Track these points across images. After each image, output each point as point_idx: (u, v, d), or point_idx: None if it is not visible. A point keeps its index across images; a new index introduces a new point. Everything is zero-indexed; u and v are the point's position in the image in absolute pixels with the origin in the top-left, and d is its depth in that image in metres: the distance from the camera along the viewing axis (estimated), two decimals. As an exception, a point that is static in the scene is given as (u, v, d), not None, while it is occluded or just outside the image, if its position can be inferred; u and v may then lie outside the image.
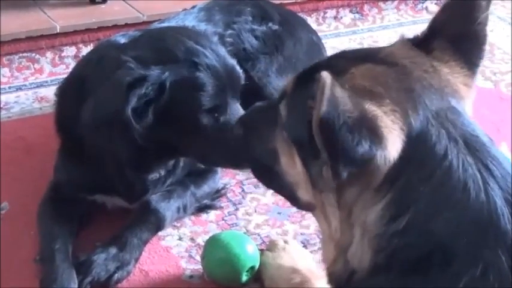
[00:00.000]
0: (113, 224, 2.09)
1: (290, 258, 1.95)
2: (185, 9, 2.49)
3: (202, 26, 2.32)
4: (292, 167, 1.33)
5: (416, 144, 1.19)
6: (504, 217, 1.16)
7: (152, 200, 2.09)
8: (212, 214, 2.23)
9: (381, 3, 3.55)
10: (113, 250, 1.97)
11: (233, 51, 2.29)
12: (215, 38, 2.05)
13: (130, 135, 1.84)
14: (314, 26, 3.08)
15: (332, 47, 3.08)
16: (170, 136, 1.93)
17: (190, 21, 2.35)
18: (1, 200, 2.21)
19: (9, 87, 2.85)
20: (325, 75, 1.11)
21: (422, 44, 1.33)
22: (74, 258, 1.98)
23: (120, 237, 2.01)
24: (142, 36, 2.05)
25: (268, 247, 2.02)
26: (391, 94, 1.22)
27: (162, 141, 1.93)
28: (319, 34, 2.78)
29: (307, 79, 1.30)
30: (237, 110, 1.96)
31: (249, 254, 1.94)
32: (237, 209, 2.26)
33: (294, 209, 2.21)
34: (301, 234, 2.15)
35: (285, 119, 1.33)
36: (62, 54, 3.03)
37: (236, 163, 2.04)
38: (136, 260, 2.01)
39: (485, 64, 2.94)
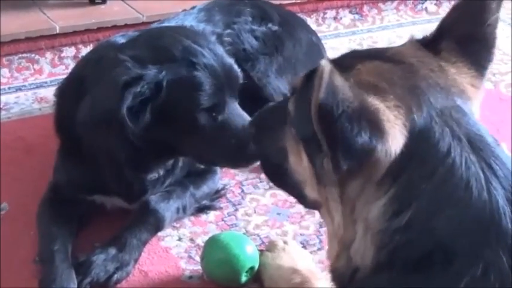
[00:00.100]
0: (112, 225, 2.09)
1: (290, 258, 1.95)
2: (185, 10, 2.49)
3: (202, 27, 2.32)
4: (299, 163, 1.33)
5: (419, 141, 1.19)
6: (506, 216, 1.16)
7: (151, 201, 2.09)
8: (212, 215, 2.23)
9: (380, 4, 3.55)
10: (112, 251, 1.97)
11: (232, 51, 2.29)
12: (213, 38, 2.05)
13: (126, 134, 1.84)
14: (314, 26, 3.09)
15: (332, 47, 3.09)
16: (168, 135, 1.93)
17: (190, 22, 2.35)
18: (1, 200, 2.21)
19: (9, 88, 2.86)
20: (325, 63, 1.12)
21: (431, 44, 1.33)
22: (73, 259, 1.97)
23: (120, 237, 2.01)
24: (141, 36, 2.06)
25: (268, 248, 2.02)
26: (395, 90, 1.22)
27: (160, 140, 1.93)
28: (319, 35, 2.78)
29: (314, 76, 1.30)
30: (235, 109, 1.96)
31: (249, 254, 1.94)
32: (236, 210, 2.26)
33: (294, 209, 2.23)
34: (301, 234, 2.15)
35: (293, 115, 1.33)
36: (62, 55, 3.03)
37: (234, 162, 2.04)
38: (136, 260, 2.01)
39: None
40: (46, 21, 3.08)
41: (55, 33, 3.04)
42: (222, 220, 2.21)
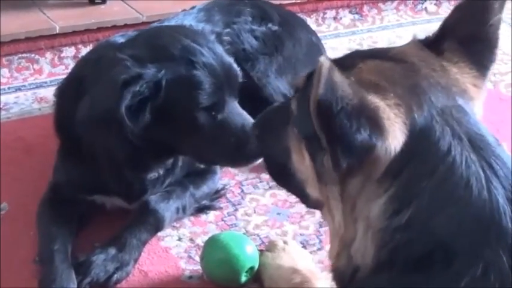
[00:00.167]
0: (112, 225, 2.09)
1: (290, 258, 1.95)
2: (184, 10, 2.49)
3: (201, 26, 2.31)
4: (301, 162, 1.34)
5: (420, 139, 1.20)
6: (506, 216, 1.16)
7: (151, 201, 2.09)
8: (211, 215, 2.23)
9: (380, 4, 3.55)
10: (112, 251, 1.97)
11: (232, 50, 2.29)
12: (212, 37, 2.05)
13: (126, 134, 1.84)
14: (313, 26, 3.09)
15: (331, 47, 3.09)
16: (168, 134, 1.93)
17: (189, 22, 2.34)
18: (1, 200, 2.21)
19: (9, 88, 2.85)
20: (323, 60, 1.13)
21: (433, 45, 1.33)
22: (73, 259, 1.97)
23: (119, 237, 2.01)
24: (140, 35, 2.06)
25: (268, 248, 2.02)
26: (396, 89, 1.22)
27: (160, 139, 1.93)
28: (319, 35, 2.78)
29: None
30: (234, 108, 1.96)
31: (248, 254, 1.94)
32: (236, 210, 2.25)
33: (293, 209, 2.23)
34: (301, 234, 2.15)
35: (295, 113, 1.34)
36: (61, 55, 3.03)
37: (234, 161, 2.05)
38: (136, 260, 2.01)
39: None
40: (46, 21, 3.08)
41: (55, 33, 3.04)
42: (222, 220, 2.21)
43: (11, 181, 2.30)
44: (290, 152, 1.38)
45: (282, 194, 2.28)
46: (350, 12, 3.49)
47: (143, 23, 3.05)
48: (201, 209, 2.23)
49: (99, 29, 3.09)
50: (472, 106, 1.27)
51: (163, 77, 1.86)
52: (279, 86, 2.43)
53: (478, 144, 1.21)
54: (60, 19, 3.09)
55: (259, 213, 2.24)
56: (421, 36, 1.38)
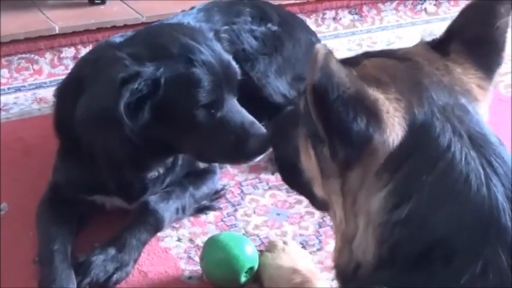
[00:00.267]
0: (112, 225, 2.09)
1: (290, 258, 1.95)
2: (183, 11, 2.49)
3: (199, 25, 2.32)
4: (308, 161, 1.35)
5: (419, 135, 1.20)
6: (505, 213, 1.16)
7: (151, 201, 2.09)
8: (211, 215, 2.23)
9: (379, 5, 3.55)
10: (112, 251, 1.97)
11: (232, 50, 2.29)
12: (210, 34, 2.06)
13: (125, 132, 1.84)
14: (313, 27, 3.09)
15: (331, 48, 3.08)
16: (167, 133, 1.93)
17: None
18: (0, 200, 2.21)
19: (8, 88, 2.86)
20: (320, 46, 1.13)
21: (440, 46, 1.34)
22: (72, 259, 1.97)
23: (119, 238, 2.01)
24: (138, 34, 2.06)
25: (267, 248, 2.02)
26: (397, 84, 1.23)
27: (159, 138, 1.93)
28: (318, 35, 2.79)
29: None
30: (233, 105, 1.96)
31: (248, 254, 1.94)
32: (236, 210, 2.25)
33: (293, 210, 2.23)
34: (300, 235, 2.15)
35: (302, 111, 1.34)
36: (61, 55, 3.03)
37: (233, 159, 2.05)
38: (135, 261, 2.01)
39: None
40: (45, 22, 3.08)
41: (54, 33, 3.04)
42: (222, 220, 2.21)
43: (10, 181, 2.30)
44: (299, 152, 1.39)
45: (282, 194, 2.28)
46: (349, 12, 3.49)
47: (143, 24, 3.05)
48: (201, 210, 2.23)
49: (99, 30, 3.09)
50: (475, 106, 1.27)
51: (161, 75, 1.86)
52: (279, 86, 2.44)
53: (478, 142, 1.21)
54: (59, 19, 3.09)
55: (259, 213, 2.24)
56: (421, 36, 1.38)
